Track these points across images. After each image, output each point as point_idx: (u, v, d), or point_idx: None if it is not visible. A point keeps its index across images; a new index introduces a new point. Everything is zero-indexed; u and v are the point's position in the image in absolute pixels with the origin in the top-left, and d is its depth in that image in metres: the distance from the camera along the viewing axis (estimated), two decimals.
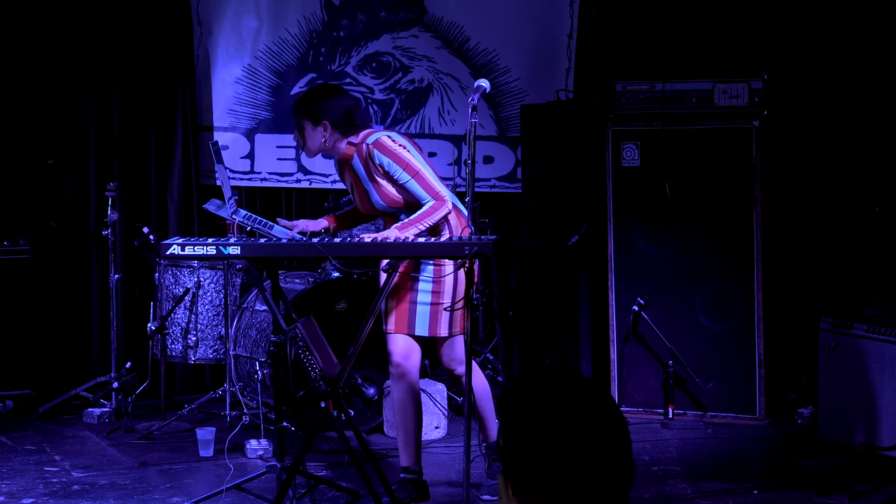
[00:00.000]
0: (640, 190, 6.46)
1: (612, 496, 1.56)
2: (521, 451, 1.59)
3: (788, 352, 6.56)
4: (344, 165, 5.03)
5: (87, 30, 7.36)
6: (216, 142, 5.27)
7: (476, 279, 4.88)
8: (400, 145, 4.85)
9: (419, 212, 4.78)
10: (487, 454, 5.14)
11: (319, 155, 7.49)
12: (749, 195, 6.29)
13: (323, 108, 4.91)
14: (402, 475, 4.99)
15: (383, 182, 4.85)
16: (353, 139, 4.92)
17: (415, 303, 4.85)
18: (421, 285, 4.84)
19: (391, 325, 4.91)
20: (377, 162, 4.82)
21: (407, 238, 4.62)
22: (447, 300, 4.83)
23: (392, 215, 4.94)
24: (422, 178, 4.80)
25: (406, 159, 4.81)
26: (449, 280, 4.83)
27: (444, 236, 4.82)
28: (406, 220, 4.75)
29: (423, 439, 6.11)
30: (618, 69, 6.76)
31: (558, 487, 1.55)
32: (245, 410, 6.22)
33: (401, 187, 4.83)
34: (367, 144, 4.85)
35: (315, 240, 4.74)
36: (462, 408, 5.06)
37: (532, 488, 1.57)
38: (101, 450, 6.06)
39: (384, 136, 4.87)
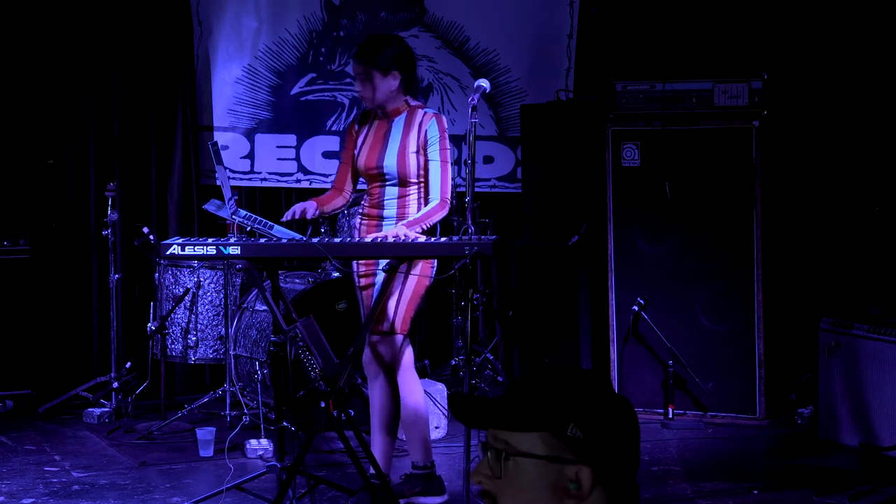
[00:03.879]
0: (640, 190, 6.46)
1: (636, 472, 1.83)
2: (611, 444, 1.75)
3: (788, 352, 6.56)
4: (377, 118, 4.95)
5: (87, 30, 7.35)
6: (216, 142, 5.26)
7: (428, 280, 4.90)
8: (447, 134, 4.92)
9: (425, 210, 4.78)
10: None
11: (320, 154, 7.58)
12: (749, 195, 6.29)
13: (396, 60, 4.86)
14: (413, 470, 5.00)
15: (410, 151, 4.82)
16: (411, 100, 4.91)
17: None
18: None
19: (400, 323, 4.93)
20: (426, 130, 4.82)
21: (408, 237, 4.61)
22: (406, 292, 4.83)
23: (382, 181, 4.89)
24: (446, 171, 4.83)
25: (447, 146, 4.86)
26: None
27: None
28: (412, 219, 4.74)
29: None
30: (618, 69, 6.76)
31: (631, 471, 1.78)
32: (245, 410, 6.22)
33: (424, 162, 4.83)
34: (427, 112, 4.88)
35: (315, 240, 4.74)
36: None
37: (616, 473, 1.76)
38: (101, 450, 6.06)
39: (444, 117, 4.93)
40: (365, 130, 4.98)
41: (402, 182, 4.85)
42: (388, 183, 4.88)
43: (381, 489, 4.71)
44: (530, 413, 1.74)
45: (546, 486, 1.73)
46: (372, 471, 4.74)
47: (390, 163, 4.84)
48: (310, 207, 5.01)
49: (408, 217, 4.83)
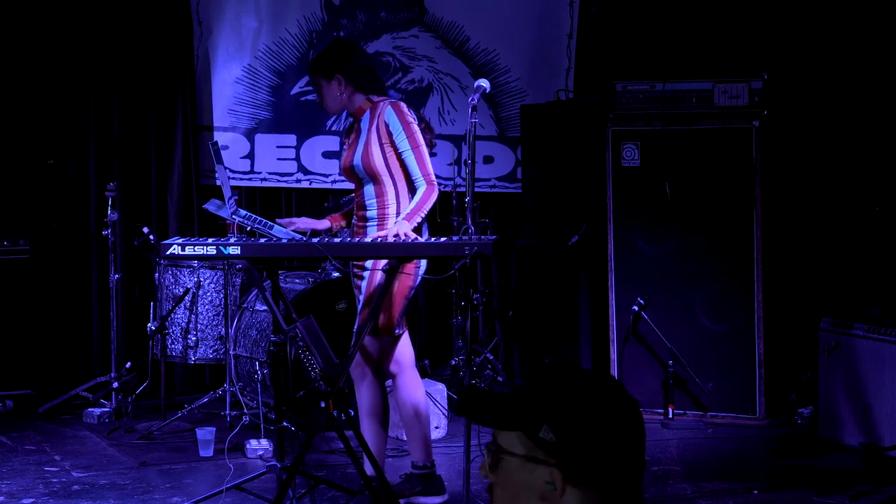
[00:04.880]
0: (640, 190, 6.46)
1: (638, 478, 1.81)
2: (585, 445, 1.74)
3: (788, 352, 6.56)
4: (354, 123, 5.01)
5: (87, 30, 7.35)
6: (216, 142, 5.27)
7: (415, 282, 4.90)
8: (413, 118, 4.88)
9: (417, 200, 4.77)
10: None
11: (320, 154, 7.58)
12: (749, 195, 6.29)
13: (335, 64, 4.91)
14: (413, 470, 5.00)
15: (374, 145, 4.82)
16: (374, 97, 4.93)
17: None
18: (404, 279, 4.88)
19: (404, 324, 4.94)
20: (385, 121, 4.81)
21: (409, 236, 4.60)
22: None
23: (360, 181, 4.91)
24: (420, 154, 4.82)
25: (414, 130, 4.83)
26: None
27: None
28: (407, 213, 4.74)
29: None
30: (618, 69, 6.76)
31: (611, 474, 1.76)
32: (245, 410, 6.22)
33: (397, 156, 4.82)
34: (385, 103, 4.88)
35: (315, 240, 4.74)
36: None
37: (590, 477, 1.74)
38: (101, 450, 6.06)
39: (403, 104, 4.92)
40: (349, 137, 5.03)
41: (374, 178, 4.85)
42: (364, 182, 4.90)
43: (380, 489, 4.71)
44: (508, 412, 1.77)
45: (525, 485, 1.76)
46: (371, 471, 4.74)
47: (357, 160, 4.87)
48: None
49: (388, 216, 4.83)
